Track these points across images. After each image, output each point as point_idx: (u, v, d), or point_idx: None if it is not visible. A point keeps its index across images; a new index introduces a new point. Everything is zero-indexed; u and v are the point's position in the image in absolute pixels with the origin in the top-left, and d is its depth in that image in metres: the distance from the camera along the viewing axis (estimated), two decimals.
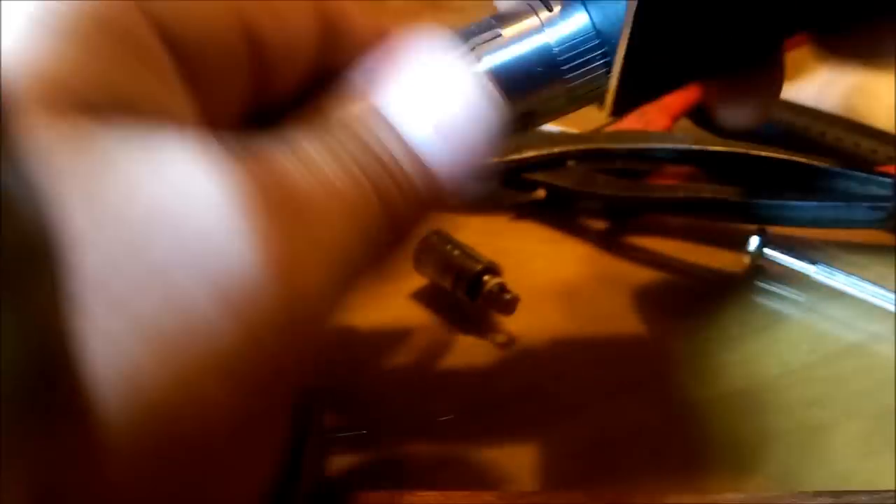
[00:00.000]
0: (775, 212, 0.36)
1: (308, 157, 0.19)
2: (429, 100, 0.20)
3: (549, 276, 0.36)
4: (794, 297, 0.35)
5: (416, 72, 0.21)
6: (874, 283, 0.34)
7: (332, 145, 0.19)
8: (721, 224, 0.38)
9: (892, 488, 0.25)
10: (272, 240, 0.16)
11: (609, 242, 0.38)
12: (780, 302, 0.35)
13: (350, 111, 0.20)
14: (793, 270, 0.36)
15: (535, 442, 0.28)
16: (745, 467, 0.27)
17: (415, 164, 0.20)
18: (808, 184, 0.37)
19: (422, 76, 0.21)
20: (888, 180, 0.37)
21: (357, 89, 0.21)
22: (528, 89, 0.24)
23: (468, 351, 0.32)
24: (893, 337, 0.33)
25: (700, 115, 0.46)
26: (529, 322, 0.33)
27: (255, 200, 0.16)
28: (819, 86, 0.49)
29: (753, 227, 0.37)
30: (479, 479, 0.26)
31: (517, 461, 0.27)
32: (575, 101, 0.25)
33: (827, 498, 0.24)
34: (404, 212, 0.20)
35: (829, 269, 0.35)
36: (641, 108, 0.44)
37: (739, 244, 0.37)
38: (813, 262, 0.35)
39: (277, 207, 0.17)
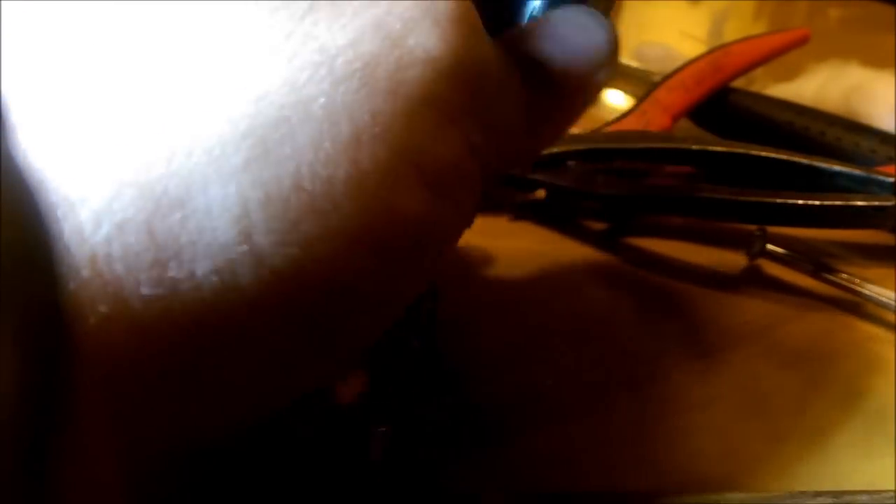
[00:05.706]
0: (775, 212, 0.36)
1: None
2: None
3: (549, 276, 0.36)
4: (794, 297, 0.35)
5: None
6: (874, 283, 0.34)
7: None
8: (721, 224, 0.38)
9: (892, 488, 0.25)
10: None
11: (609, 242, 0.38)
12: (782, 302, 0.35)
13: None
14: (793, 270, 0.36)
15: (534, 442, 0.28)
16: (746, 467, 0.27)
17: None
18: (808, 184, 0.37)
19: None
20: (888, 180, 0.37)
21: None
22: None
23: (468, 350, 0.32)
24: (893, 337, 0.33)
25: (700, 115, 0.46)
26: (528, 322, 0.33)
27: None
28: (819, 86, 0.49)
29: (753, 227, 0.37)
30: (479, 479, 0.26)
31: (516, 461, 0.27)
32: None
33: (827, 498, 0.24)
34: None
35: (829, 270, 0.35)
36: (641, 108, 0.44)
37: (739, 244, 0.37)
38: (813, 262, 0.35)
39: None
